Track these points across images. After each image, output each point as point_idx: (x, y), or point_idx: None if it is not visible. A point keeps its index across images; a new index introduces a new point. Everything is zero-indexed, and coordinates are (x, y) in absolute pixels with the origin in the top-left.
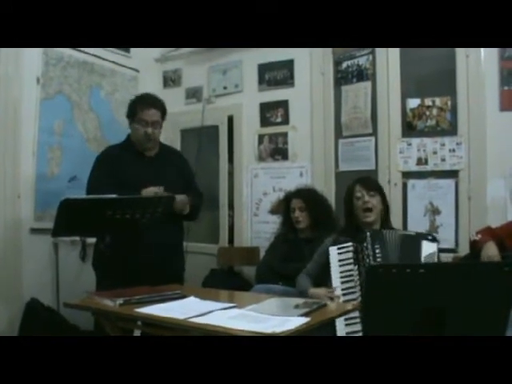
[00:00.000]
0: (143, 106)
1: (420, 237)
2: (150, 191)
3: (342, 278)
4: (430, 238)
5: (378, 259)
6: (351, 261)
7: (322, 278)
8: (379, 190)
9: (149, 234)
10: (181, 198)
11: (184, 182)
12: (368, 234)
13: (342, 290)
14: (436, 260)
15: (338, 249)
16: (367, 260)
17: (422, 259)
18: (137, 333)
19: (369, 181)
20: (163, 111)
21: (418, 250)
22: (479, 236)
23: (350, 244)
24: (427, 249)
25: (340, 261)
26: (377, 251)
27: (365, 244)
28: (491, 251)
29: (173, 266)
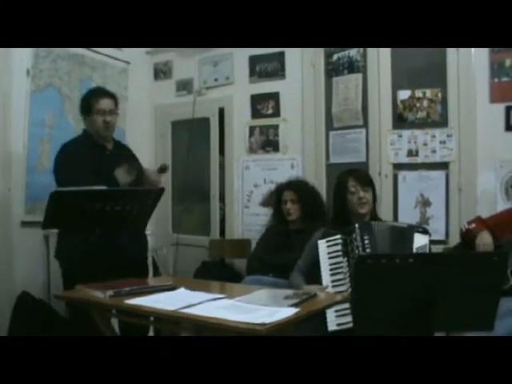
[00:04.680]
0: (97, 97)
1: (412, 229)
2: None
3: (331, 270)
4: (421, 230)
5: (368, 250)
6: (340, 253)
7: (314, 273)
8: (371, 184)
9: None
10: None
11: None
12: (357, 225)
13: (332, 281)
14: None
15: (327, 242)
16: (356, 251)
17: (414, 251)
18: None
19: (362, 174)
20: (116, 100)
21: (410, 241)
22: (473, 225)
23: (338, 236)
24: (419, 241)
25: (329, 253)
26: (366, 242)
27: (354, 235)
28: (485, 239)
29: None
